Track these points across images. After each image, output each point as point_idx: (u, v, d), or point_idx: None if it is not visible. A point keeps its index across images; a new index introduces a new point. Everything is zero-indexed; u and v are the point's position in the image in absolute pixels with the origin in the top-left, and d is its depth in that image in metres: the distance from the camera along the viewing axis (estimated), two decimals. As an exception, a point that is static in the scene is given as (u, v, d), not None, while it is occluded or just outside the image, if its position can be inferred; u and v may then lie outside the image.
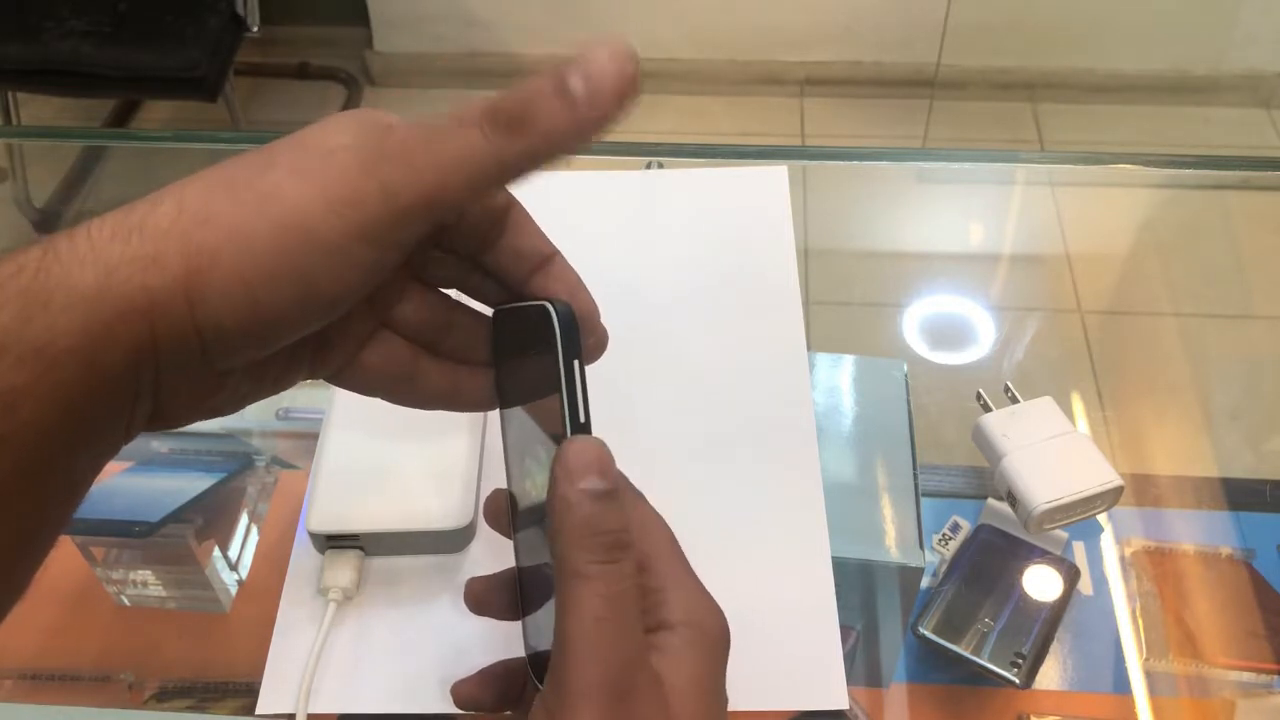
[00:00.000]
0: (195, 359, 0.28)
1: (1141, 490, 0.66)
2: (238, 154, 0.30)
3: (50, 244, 0.27)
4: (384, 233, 0.28)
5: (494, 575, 0.38)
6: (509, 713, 0.37)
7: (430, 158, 0.28)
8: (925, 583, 0.59)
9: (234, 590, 0.61)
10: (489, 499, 0.38)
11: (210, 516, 0.63)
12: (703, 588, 0.34)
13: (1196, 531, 0.65)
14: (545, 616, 0.34)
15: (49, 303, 0.26)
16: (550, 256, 0.35)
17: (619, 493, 0.31)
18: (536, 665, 0.34)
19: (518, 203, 0.34)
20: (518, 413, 0.36)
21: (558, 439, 0.32)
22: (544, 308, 0.33)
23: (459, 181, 0.28)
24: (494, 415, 0.37)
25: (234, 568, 0.62)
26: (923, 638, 0.57)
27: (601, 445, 0.31)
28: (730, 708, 0.34)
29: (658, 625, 0.32)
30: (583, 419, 0.32)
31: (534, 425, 0.34)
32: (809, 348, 0.61)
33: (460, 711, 0.38)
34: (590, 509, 0.30)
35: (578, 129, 0.27)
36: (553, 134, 0.28)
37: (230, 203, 0.28)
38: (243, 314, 0.28)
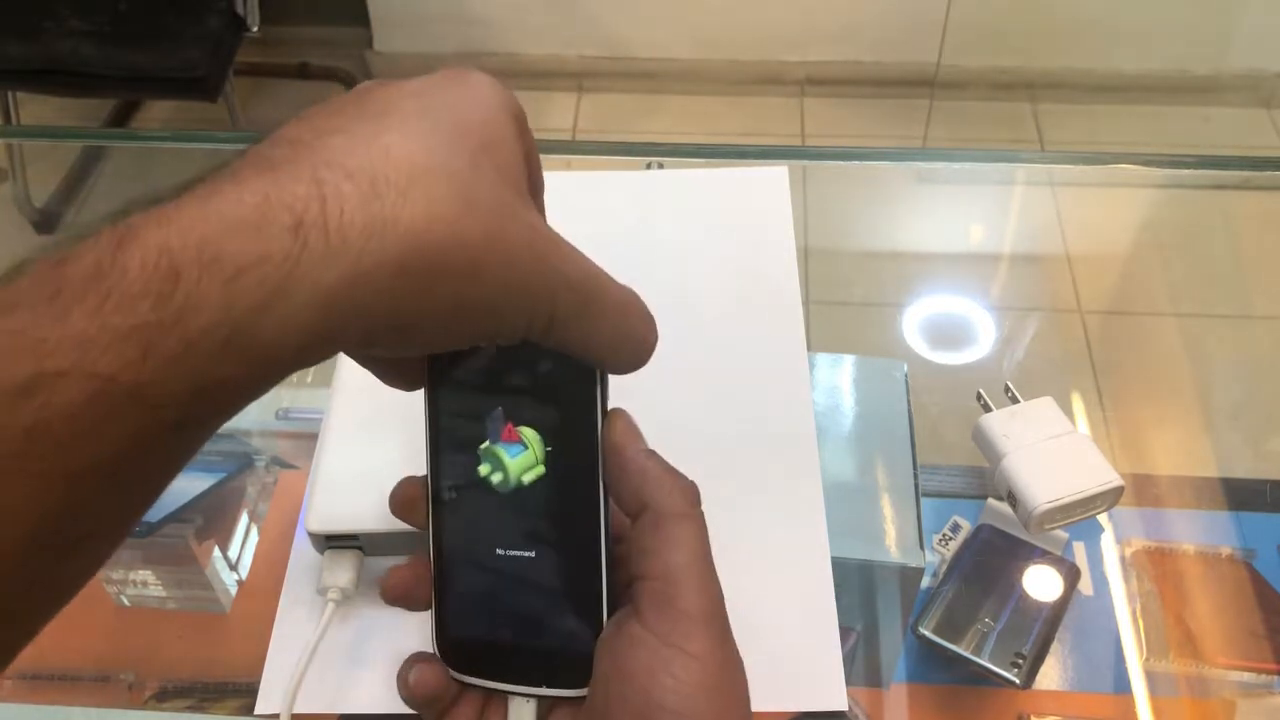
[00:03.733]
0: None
1: (1141, 490, 0.66)
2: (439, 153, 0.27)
3: (303, 233, 0.25)
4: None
5: (408, 566, 0.37)
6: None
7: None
8: (925, 583, 0.59)
9: (234, 590, 0.61)
10: (399, 488, 0.37)
11: (210, 516, 0.63)
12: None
13: (1196, 531, 0.65)
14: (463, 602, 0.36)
15: (290, 294, 0.25)
16: None
17: None
18: (455, 654, 0.37)
19: (543, 208, 0.35)
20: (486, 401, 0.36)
21: (574, 431, 0.34)
22: None
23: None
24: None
25: (234, 568, 0.62)
26: (923, 638, 0.57)
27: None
28: None
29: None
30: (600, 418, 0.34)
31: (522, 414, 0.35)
32: (809, 348, 0.61)
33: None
34: (662, 464, 0.34)
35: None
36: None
37: (479, 232, 0.27)
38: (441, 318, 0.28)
